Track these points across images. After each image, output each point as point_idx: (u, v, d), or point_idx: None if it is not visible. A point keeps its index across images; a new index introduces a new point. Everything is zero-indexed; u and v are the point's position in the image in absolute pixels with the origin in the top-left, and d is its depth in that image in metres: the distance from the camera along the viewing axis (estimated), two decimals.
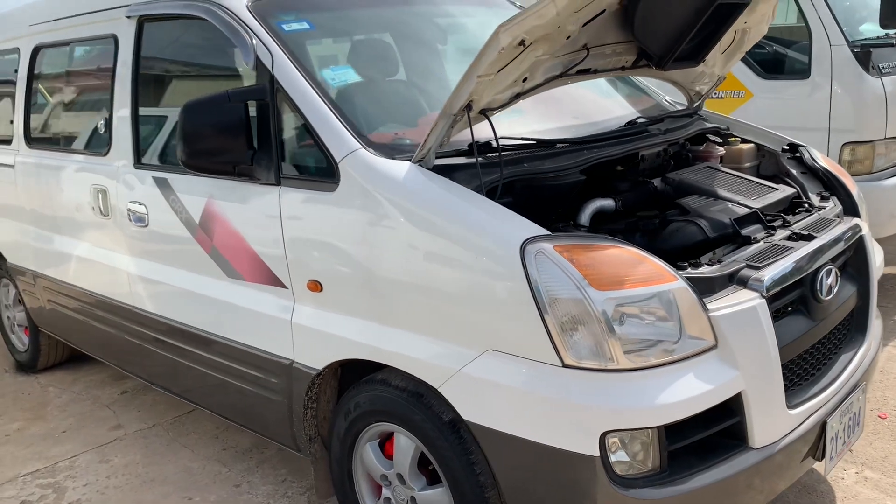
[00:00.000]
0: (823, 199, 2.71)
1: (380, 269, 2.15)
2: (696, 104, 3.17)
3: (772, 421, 2.02)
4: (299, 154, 2.41)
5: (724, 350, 1.92)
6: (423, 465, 2.28)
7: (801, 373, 2.22)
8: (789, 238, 2.30)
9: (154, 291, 3.04)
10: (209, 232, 2.67)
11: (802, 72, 4.36)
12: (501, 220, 1.95)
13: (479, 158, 2.15)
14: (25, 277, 4.09)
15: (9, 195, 4.04)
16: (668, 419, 1.83)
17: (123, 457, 3.39)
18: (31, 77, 3.87)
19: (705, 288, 1.97)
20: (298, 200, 2.35)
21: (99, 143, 3.29)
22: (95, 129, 3.35)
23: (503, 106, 2.23)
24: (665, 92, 3.38)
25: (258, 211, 2.47)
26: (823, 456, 2.21)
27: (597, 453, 1.82)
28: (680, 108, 3.19)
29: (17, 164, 3.92)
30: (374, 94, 2.68)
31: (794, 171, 2.87)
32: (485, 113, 2.17)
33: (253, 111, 2.43)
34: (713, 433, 1.95)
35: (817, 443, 2.18)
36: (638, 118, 2.81)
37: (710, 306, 1.92)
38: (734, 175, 2.66)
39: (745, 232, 2.27)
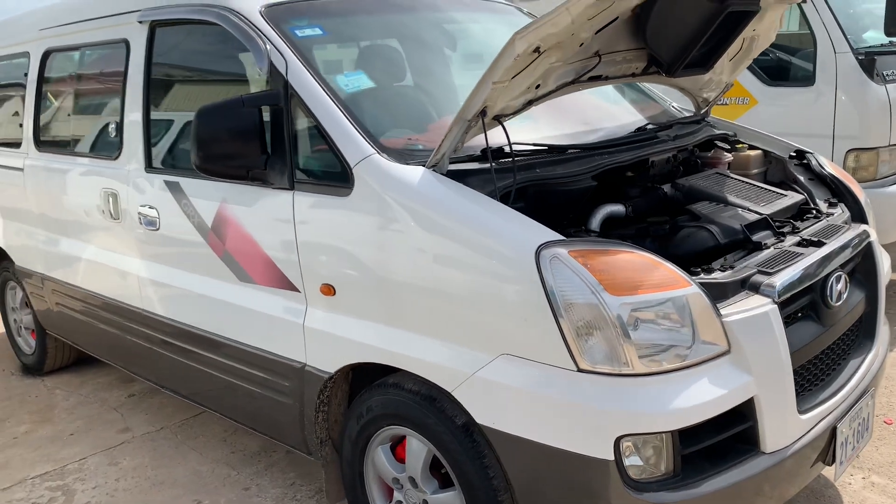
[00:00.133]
0: (831, 205, 2.73)
1: (394, 274, 2.17)
2: (703, 111, 3.19)
3: (783, 426, 2.03)
4: (313, 159, 2.43)
5: (736, 355, 1.94)
6: (435, 468, 2.30)
7: (811, 378, 2.23)
8: (799, 244, 2.31)
9: (164, 294, 3.06)
10: (221, 236, 2.69)
11: (807, 79, 4.39)
12: (516, 224, 1.97)
13: (493, 164, 2.16)
14: (33, 280, 4.10)
15: (18, 198, 4.05)
16: (683, 424, 1.85)
17: (132, 459, 3.40)
18: (41, 81, 3.89)
19: (718, 293, 1.98)
20: (312, 205, 2.36)
21: (110, 147, 3.31)
22: (106, 133, 3.37)
23: (516, 112, 2.25)
24: (671, 98, 3.40)
25: (271, 215, 2.49)
26: (833, 461, 2.23)
27: (611, 457, 1.83)
28: (687, 114, 3.22)
29: (26, 167, 3.93)
30: (387, 99, 2.71)
31: (801, 178, 2.89)
32: (498, 119, 2.19)
33: (266, 116, 2.45)
34: (725, 437, 1.97)
35: (827, 448, 2.20)
36: (647, 124, 2.83)
37: (722, 312, 1.94)
38: (743, 181, 2.69)
39: (755, 238, 2.29)
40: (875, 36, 4.62)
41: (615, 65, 2.45)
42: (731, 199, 2.48)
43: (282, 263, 2.50)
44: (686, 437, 1.90)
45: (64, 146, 3.73)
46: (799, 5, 4.35)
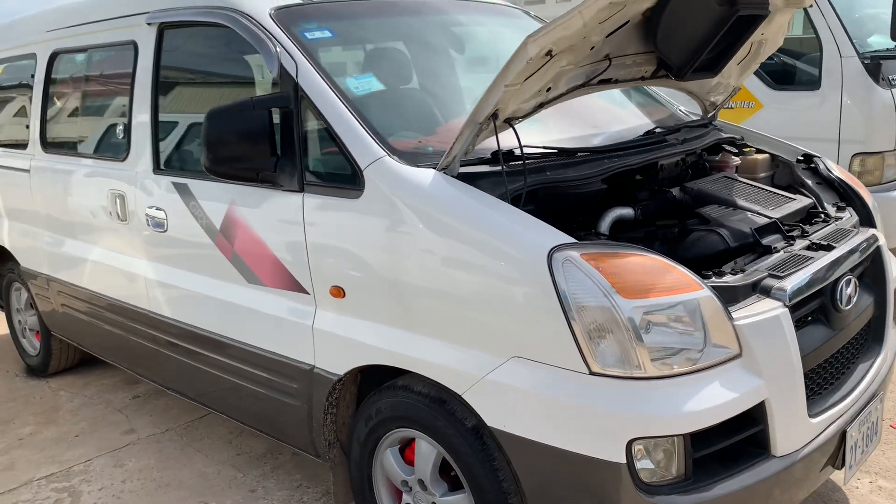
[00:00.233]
0: (839, 209, 2.73)
1: (404, 276, 2.17)
2: (710, 114, 3.20)
3: (794, 429, 2.03)
4: (323, 161, 2.43)
5: (748, 359, 1.94)
6: (444, 471, 2.29)
7: (821, 382, 2.23)
8: (809, 248, 2.32)
9: (172, 296, 3.06)
10: (230, 237, 2.69)
11: (813, 83, 4.40)
12: (528, 227, 1.97)
13: (504, 167, 2.16)
14: (38, 281, 4.11)
15: (24, 199, 4.05)
16: (695, 427, 1.85)
17: (138, 461, 3.40)
18: (48, 82, 3.89)
19: (729, 297, 1.98)
20: (322, 207, 2.37)
21: (117, 149, 3.31)
22: (114, 135, 3.37)
23: (527, 115, 2.25)
24: (677, 102, 3.41)
25: (281, 217, 2.49)
26: (843, 465, 2.22)
27: (623, 460, 1.83)
28: (694, 118, 3.22)
29: (32, 168, 3.94)
30: (397, 101, 2.71)
31: (808, 182, 2.89)
32: (509, 122, 2.19)
33: (276, 118, 2.45)
34: (736, 441, 1.96)
35: (837, 452, 2.20)
36: (655, 128, 2.83)
37: (734, 315, 1.94)
38: (751, 185, 2.69)
39: (765, 241, 2.29)
40: (880, 40, 4.63)
41: (625, 68, 2.46)
42: (740, 202, 2.48)
43: (291, 265, 2.50)
44: (697, 441, 1.90)
45: (71, 147, 3.73)
46: (805, 9, 4.36)
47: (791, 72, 4.58)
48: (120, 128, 3.31)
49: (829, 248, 2.31)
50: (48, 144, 3.87)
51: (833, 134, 4.31)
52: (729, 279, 2.05)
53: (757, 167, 2.96)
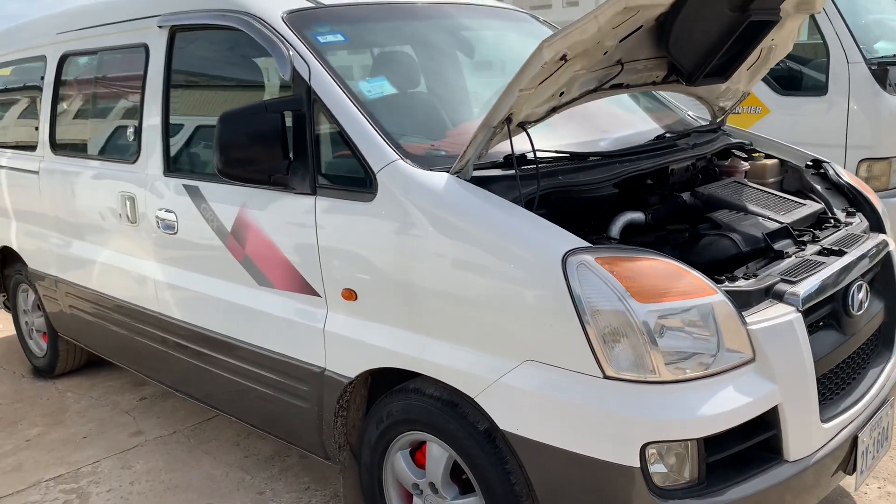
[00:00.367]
0: (849, 214, 2.74)
1: (417, 279, 2.17)
2: (719, 119, 3.20)
3: (806, 434, 2.04)
4: (336, 164, 2.44)
5: (761, 363, 1.94)
6: (455, 474, 2.30)
7: (832, 387, 2.24)
8: (820, 253, 2.32)
9: (182, 298, 3.07)
10: (241, 240, 2.70)
11: (819, 88, 4.41)
12: (542, 231, 1.98)
13: (518, 170, 2.17)
14: (46, 283, 4.11)
15: (32, 201, 4.06)
16: (709, 431, 1.85)
17: (145, 463, 3.40)
18: (58, 84, 3.90)
19: (742, 302, 1.99)
20: (334, 210, 2.37)
21: (127, 151, 3.32)
22: (124, 137, 3.38)
23: (540, 119, 2.26)
24: (685, 107, 3.42)
25: (293, 220, 2.50)
26: (854, 470, 2.23)
27: (637, 464, 1.84)
28: (703, 123, 3.23)
29: (41, 170, 3.95)
30: (409, 105, 2.72)
31: (818, 187, 2.90)
32: (523, 126, 2.20)
33: (288, 121, 2.46)
34: (749, 445, 1.97)
35: (848, 457, 2.20)
36: (666, 133, 2.84)
37: (747, 320, 1.95)
38: (762, 190, 2.69)
39: (776, 247, 2.29)
40: (887, 46, 4.64)
41: (636, 73, 2.47)
42: (751, 207, 2.49)
43: (302, 268, 2.50)
44: (710, 445, 1.90)
45: (80, 149, 3.74)
46: (812, 15, 4.37)
47: (798, 77, 4.59)
48: (130, 130, 3.31)
49: (840, 253, 2.32)
50: (57, 146, 3.88)
51: (840, 139, 4.32)
52: (742, 284, 2.06)
53: (766, 172, 2.97)
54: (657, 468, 1.88)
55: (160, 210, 3.06)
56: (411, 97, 2.77)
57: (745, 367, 1.93)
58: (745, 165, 2.94)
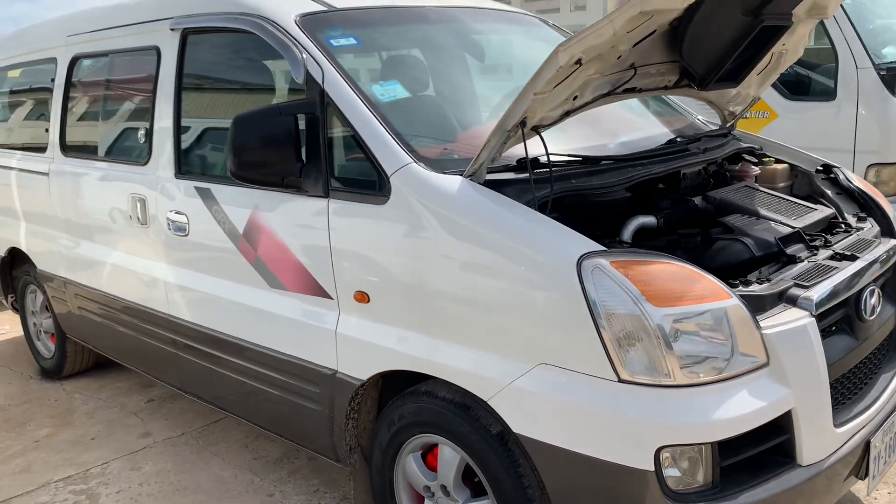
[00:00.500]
0: (860, 219, 2.74)
1: (430, 282, 2.18)
2: (729, 124, 3.21)
3: (820, 439, 2.04)
4: (349, 167, 2.44)
5: (775, 368, 1.94)
6: (467, 476, 2.30)
7: (845, 392, 2.24)
8: (832, 258, 2.32)
9: (192, 300, 3.07)
10: (253, 242, 2.70)
11: (828, 93, 4.41)
12: (557, 235, 1.98)
13: (532, 174, 2.17)
14: (55, 284, 4.12)
15: (42, 203, 4.08)
16: (723, 435, 1.85)
17: (154, 464, 3.40)
18: (69, 86, 3.92)
19: (756, 306, 1.99)
20: (347, 213, 2.38)
21: (138, 153, 3.33)
22: (134, 139, 3.39)
23: (553, 123, 2.27)
24: (695, 111, 3.42)
25: (305, 222, 2.50)
26: (867, 475, 2.22)
27: (651, 468, 1.84)
28: (713, 127, 3.24)
29: (51, 171, 3.96)
30: (422, 108, 2.72)
31: (828, 192, 2.90)
32: (536, 129, 2.20)
33: (301, 124, 2.47)
34: (763, 450, 1.97)
35: (861, 462, 2.20)
36: (677, 137, 2.85)
37: (761, 324, 1.95)
38: (773, 195, 2.69)
39: (789, 251, 2.30)
40: (894, 52, 4.64)
41: (649, 77, 2.48)
42: (763, 212, 2.49)
43: (315, 270, 2.51)
44: (724, 449, 1.90)
45: (91, 151, 3.75)
46: (820, 20, 4.38)
47: (806, 82, 4.60)
48: (141, 132, 3.33)
49: (852, 258, 2.32)
50: (67, 148, 3.90)
51: (848, 144, 4.32)
52: (756, 288, 2.06)
53: (776, 177, 2.97)
54: (671, 472, 1.88)
55: (171, 212, 3.07)
56: (424, 100, 2.78)
57: (759, 372, 1.93)
58: (756, 170, 2.95)
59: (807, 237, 2.42)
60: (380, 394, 2.57)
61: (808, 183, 3.00)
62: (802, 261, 2.28)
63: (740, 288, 2.05)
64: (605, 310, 1.86)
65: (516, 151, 2.25)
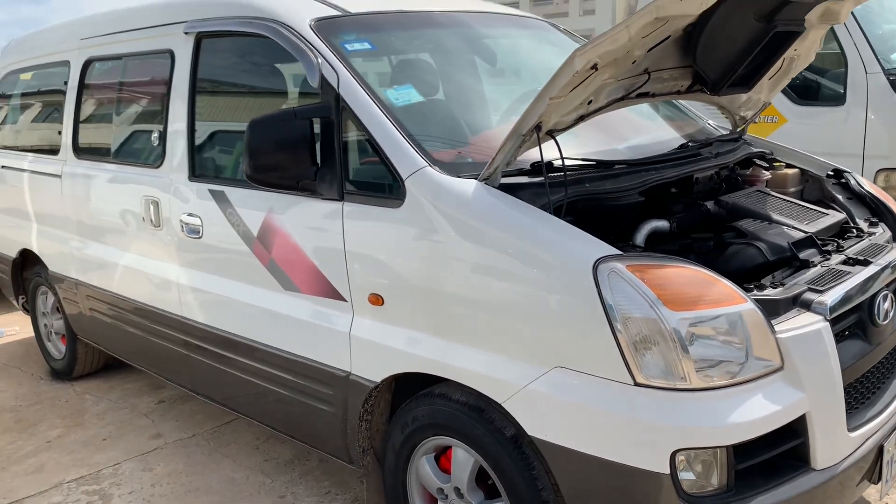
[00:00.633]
0: (872, 224, 2.75)
1: (445, 285, 2.19)
2: (740, 129, 3.22)
3: (834, 443, 2.04)
4: (363, 171, 2.46)
5: (789, 372, 1.95)
6: (481, 479, 2.31)
7: (858, 396, 2.24)
8: (845, 263, 2.33)
9: (205, 301, 3.09)
10: (267, 245, 2.72)
11: (837, 98, 4.42)
12: (572, 238, 2.00)
13: (546, 178, 2.19)
14: (67, 285, 4.15)
15: (54, 205, 4.10)
16: (739, 439, 1.86)
17: (166, 465, 3.42)
18: (82, 89, 3.94)
19: (770, 310, 2.00)
20: (362, 216, 2.40)
21: (152, 156, 3.35)
22: (148, 142, 3.41)
23: (567, 127, 2.28)
24: (705, 116, 3.43)
25: (320, 225, 2.52)
26: (880, 479, 2.23)
27: (667, 471, 1.85)
28: (724, 132, 3.25)
29: (64, 174, 3.98)
30: (436, 112, 2.74)
31: (839, 197, 2.91)
32: (551, 134, 2.22)
33: (316, 128, 2.48)
34: (777, 453, 1.98)
35: (874, 466, 2.20)
36: (689, 142, 2.86)
37: (776, 328, 1.96)
38: (784, 199, 2.70)
39: (802, 256, 2.30)
40: None
41: (662, 82, 2.49)
42: (775, 216, 2.50)
43: (329, 273, 2.52)
44: (738, 452, 1.91)
45: (103, 154, 3.78)
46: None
47: (815, 87, 4.60)
48: (155, 135, 3.35)
49: (865, 262, 2.33)
50: (80, 150, 3.92)
51: (857, 149, 4.33)
52: (770, 292, 2.07)
53: (787, 182, 2.98)
54: (686, 475, 1.89)
55: (185, 214, 3.09)
56: (438, 104, 2.79)
57: (774, 376, 1.94)
58: (767, 175, 2.96)
59: (819, 242, 2.43)
60: (392, 396, 2.59)
61: (818, 188, 3.02)
62: (815, 265, 2.29)
63: (755, 292, 2.06)
64: (621, 313, 1.87)
65: (529, 156, 2.26)
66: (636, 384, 1.87)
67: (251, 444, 3.57)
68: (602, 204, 2.32)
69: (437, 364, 2.25)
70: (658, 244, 2.40)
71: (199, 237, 3.03)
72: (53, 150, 4.13)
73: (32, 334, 4.93)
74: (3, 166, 4.68)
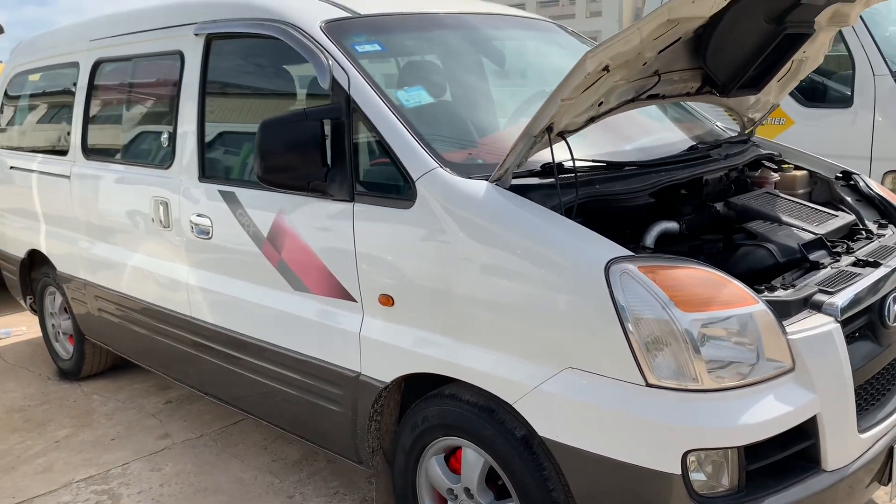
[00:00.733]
0: (881, 226, 2.75)
1: (456, 286, 2.20)
2: (748, 130, 3.22)
3: (844, 444, 2.05)
4: (374, 172, 2.47)
5: (800, 373, 1.96)
6: (491, 479, 2.32)
7: (868, 398, 2.24)
8: (855, 264, 2.33)
9: (215, 302, 3.10)
10: (277, 245, 2.73)
11: (844, 100, 4.42)
12: (584, 239, 2.00)
13: (558, 179, 2.19)
14: (75, 286, 4.16)
15: (63, 205, 4.12)
16: (750, 440, 1.87)
17: (174, 466, 3.43)
18: (91, 90, 3.96)
19: (781, 311, 2.00)
20: (372, 217, 2.40)
21: (161, 157, 3.37)
22: (157, 143, 3.43)
23: (578, 129, 2.29)
24: (712, 118, 3.44)
25: (330, 226, 2.53)
26: (889, 480, 2.23)
27: (678, 471, 1.85)
28: (731, 134, 3.25)
29: (73, 174, 4.00)
30: (446, 114, 2.75)
31: (848, 199, 2.91)
32: (562, 135, 2.22)
33: (327, 129, 2.49)
34: (788, 454, 1.98)
35: (884, 468, 2.21)
36: (698, 143, 2.87)
37: (787, 329, 1.96)
38: (794, 201, 2.71)
39: (811, 257, 2.31)
40: None
41: (672, 84, 2.50)
42: (785, 218, 2.51)
43: (339, 273, 2.53)
44: (749, 453, 1.91)
45: (112, 155, 3.79)
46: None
47: (822, 89, 4.60)
48: (164, 136, 3.36)
49: (875, 264, 2.33)
50: (89, 151, 3.94)
51: (865, 151, 4.33)
52: (781, 294, 2.07)
53: (796, 183, 2.98)
54: (697, 475, 1.89)
55: (195, 215, 3.10)
56: (448, 106, 2.80)
57: (785, 377, 1.94)
58: (775, 176, 2.96)
59: (829, 244, 2.43)
60: (402, 396, 2.59)
61: (827, 190, 3.02)
62: (825, 267, 2.30)
63: (766, 293, 2.07)
64: (633, 314, 1.87)
65: (540, 157, 2.27)
66: (648, 385, 1.87)
67: (259, 445, 3.58)
68: (612, 205, 2.33)
69: (448, 364, 2.26)
70: (667, 245, 2.40)
71: (209, 238, 3.04)
72: (62, 151, 4.15)
73: (39, 334, 4.95)
74: (11, 167, 4.71)
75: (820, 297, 2.09)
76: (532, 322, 2.05)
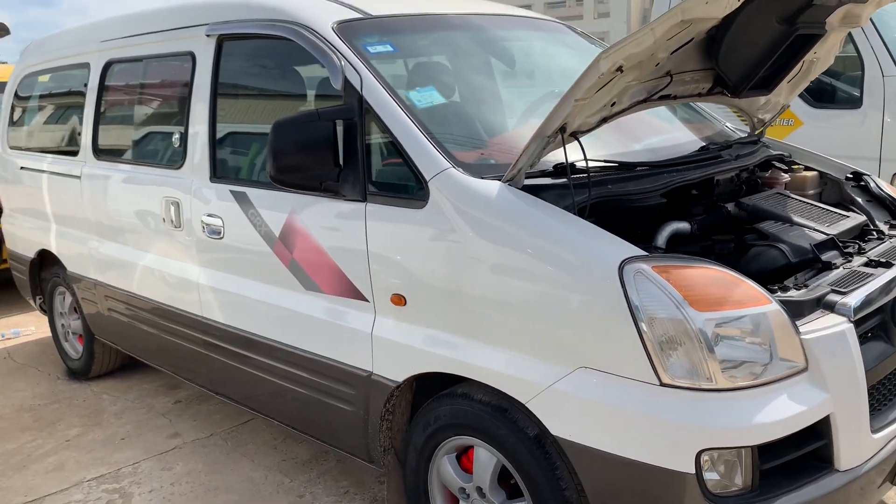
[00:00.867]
0: (892, 227, 2.75)
1: (468, 286, 2.20)
2: (758, 131, 3.23)
3: (857, 444, 2.05)
4: (387, 172, 2.48)
5: (814, 373, 1.96)
6: (503, 478, 2.32)
7: (881, 398, 2.24)
8: (867, 265, 2.34)
9: (226, 301, 3.11)
10: (289, 245, 2.74)
11: (854, 101, 4.42)
12: (598, 239, 2.01)
13: (570, 179, 2.20)
14: (85, 286, 4.18)
15: (73, 206, 4.14)
16: (764, 439, 1.87)
17: (185, 465, 3.44)
18: (102, 91, 3.98)
19: (794, 311, 2.00)
20: (385, 217, 2.41)
21: (172, 157, 3.38)
22: (168, 143, 3.44)
23: (591, 129, 2.30)
24: (722, 118, 3.44)
25: (342, 226, 2.54)
26: None
27: (692, 470, 1.86)
28: (741, 134, 3.26)
29: (83, 175, 4.02)
30: (458, 114, 2.75)
31: (858, 199, 2.92)
32: (575, 135, 2.23)
33: (339, 130, 2.50)
34: (801, 454, 1.98)
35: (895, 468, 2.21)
36: (709, 144, 2.87)
37: (800, 329, 1.96)
38: (805, 202, 2.71)
39: (824, 258, 2.31)
40: None
41: (684, 84, 2.50)
42: (796, 218, 2.51)
43: (351, 273, 2.54)
44: (763, 453, 1.92)
45: (123, 155, 3.81)
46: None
47: (831, 90, 4.60)
48: (176, 136, 3.37)
49: (887, 264, 2.33)
50: (100, 151, 3.95)
51: (874, 152, 4.32)
52: (794, 294, 2.08)
53: (806, 184, 2.99)
54: (711, 475, 1.89)
55: (206, 215, 3.11)
56: (460, 106, 2.81)
57: (798, 377, 1.95)
58: (786, 177, 2.96)
59: (841, 244, 2.44)
60: (413, 396, 2.60)
61: (837, 190, 3.02)
62: (837, 267, 2.30)
63: (779, 293, 2.07)
64: (647, 314, 1.88)
65: (552, 157, 2.28)
66: (661, 384, 1.88)
67: (269, 444, 3.59)
68: (624, 205, 2.33)
69: (460, 364, 2.27)
70: (679, 246, 2.41)
71: (221, 238, 3.06)
72: (73, 152, 4.16)
73: (48, 334, 4.98)
74: (22, 167, 4.73)
75: (833, 297, 2.09)
76: (545, 321, 2.05)
